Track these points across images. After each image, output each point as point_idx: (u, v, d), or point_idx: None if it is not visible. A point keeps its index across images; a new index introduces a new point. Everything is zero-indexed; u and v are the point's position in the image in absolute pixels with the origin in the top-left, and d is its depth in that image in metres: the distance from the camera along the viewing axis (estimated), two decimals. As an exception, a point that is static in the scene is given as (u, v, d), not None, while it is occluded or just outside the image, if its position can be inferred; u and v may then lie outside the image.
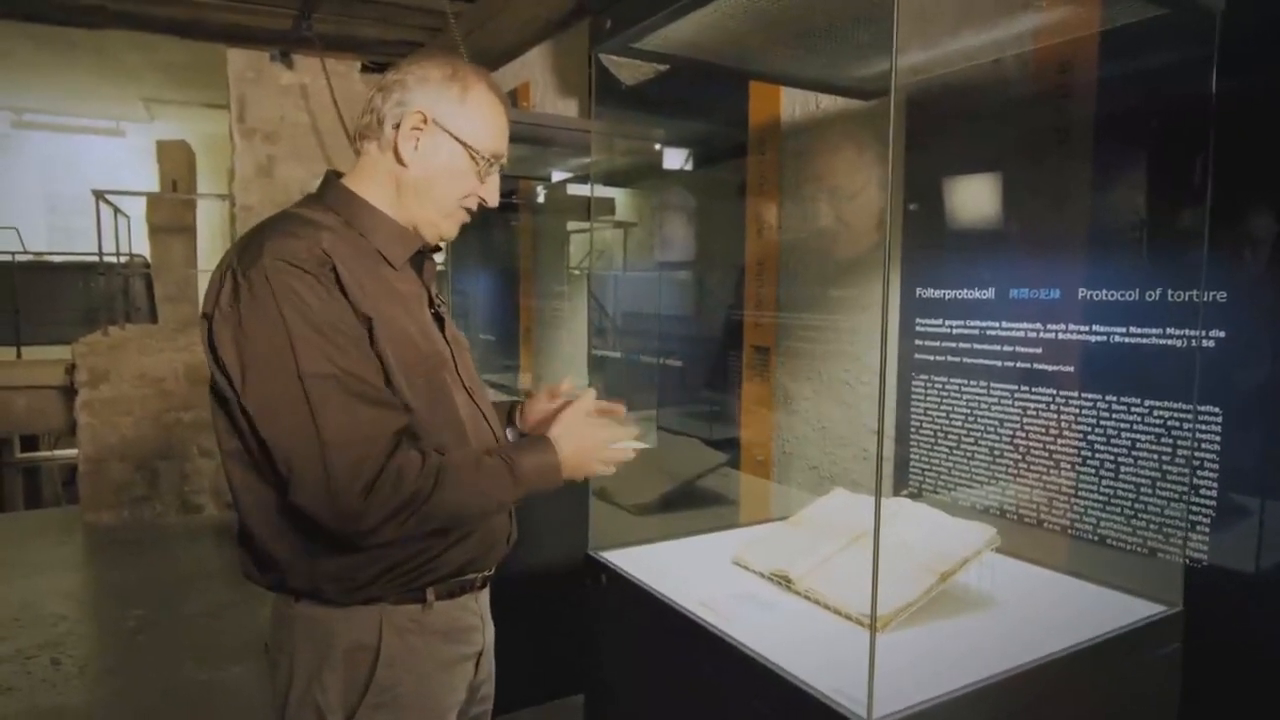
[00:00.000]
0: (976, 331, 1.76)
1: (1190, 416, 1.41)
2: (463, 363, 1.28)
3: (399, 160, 1.19)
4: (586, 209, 3.65)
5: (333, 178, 1.25)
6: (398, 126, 1.18)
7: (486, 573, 1.29)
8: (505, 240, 4.24)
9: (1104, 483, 1.54)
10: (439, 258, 1.34)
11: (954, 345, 1.82)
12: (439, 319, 1.27)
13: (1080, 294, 1.57)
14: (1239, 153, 1.35)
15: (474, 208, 1.26)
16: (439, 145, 1.19)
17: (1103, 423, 1.54)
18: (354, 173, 1.24)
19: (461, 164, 1.21)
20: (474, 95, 1.20)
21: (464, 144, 1.19)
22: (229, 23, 4.42)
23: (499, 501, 1.16)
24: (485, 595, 1.34)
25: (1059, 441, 1.61)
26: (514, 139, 1.30)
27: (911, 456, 1.91)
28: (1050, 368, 1.62)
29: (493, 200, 1.25)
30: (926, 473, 1.88)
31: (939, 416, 1.85)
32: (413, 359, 1.15)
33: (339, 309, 1.07)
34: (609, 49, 1.65)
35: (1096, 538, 1.55)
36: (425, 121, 1.18)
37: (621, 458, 1.28)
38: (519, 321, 4.08)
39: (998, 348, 1.72)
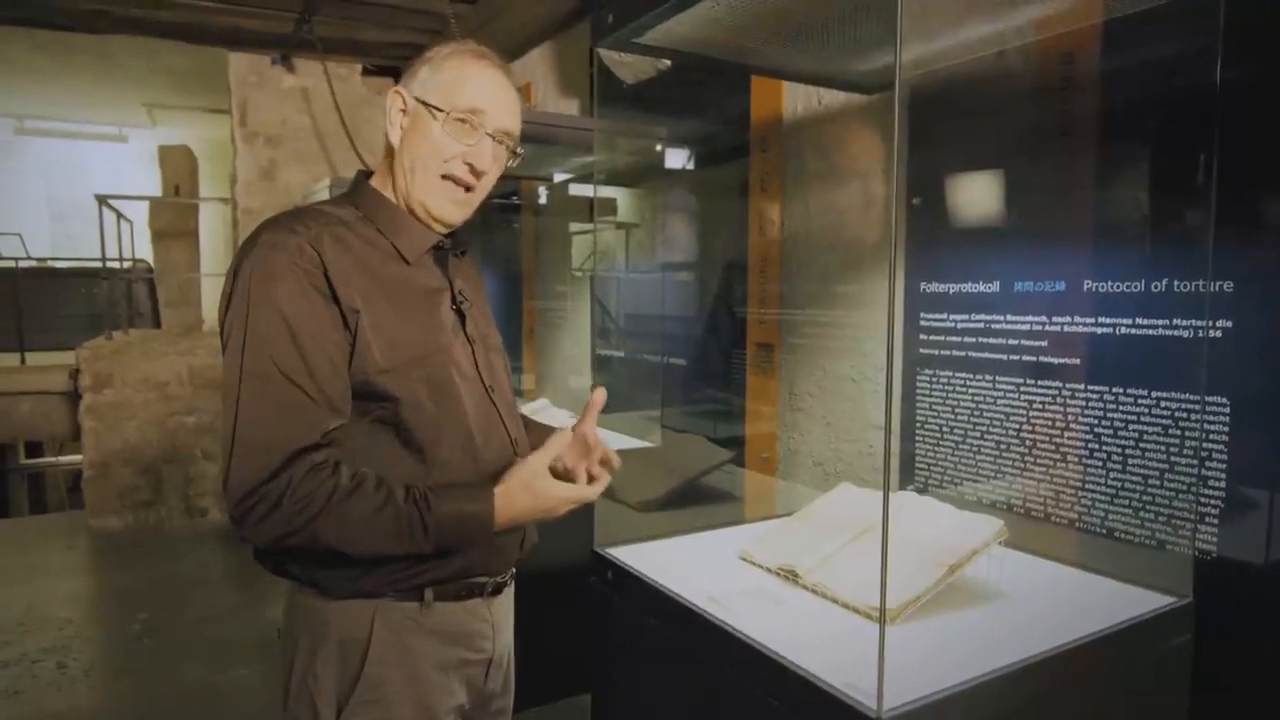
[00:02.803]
0: (981, 325, 1.76)
1: (1198, 407, 1.41)
2: (484, 361, 1.26)
3: (390, 147, 1.21)
4: (588, 210, 3.66)
5: (361, 177, 1.26)
6: (388, 115, 1.20)
7: (498, 578, 1.26)
8: (508, 242, 4.24)
9: (1111, 475, 1.53)
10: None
11: (959, 339, 1.81)
12: (461, 315, 1.25)
13: (1085, 286, 1.56)
14: (1244, 141, 1.34)
15: (460, 174, 1.19)
16: (415, 118, 1.19)
17: (1110, 415, 1.53)
18: (376, 172, 1.26)
19: (433, 128, 1.17)
20: (447, 62, 1.19)
21: (431, 107, 1.17)
22: (230, 26, 4.43)
23: (399, 547, 1.08)
24: (501, 602, 1.29)
25: (1066, 434, 1.60)
26: (515, 138, 1.28)
27: (917, 451, 1.91)
28: (1056, 360, 1.61)
29: (479, 163, 1.18)
30: (933, 467, 1.87)
31: (944, 411, 1.84)
32: (409, 356, 1.14)
33: (310, 307, 1.07)
34: (610, 44, 1.65)
35: (1104, 530, 1.54)
36: (405, 101, 1.19)
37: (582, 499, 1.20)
38: (522, 323, 4.08)
39: (1003, 341, 1.71)
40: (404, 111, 1.19)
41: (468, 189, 1.21)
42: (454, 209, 1.22)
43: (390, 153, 1.22)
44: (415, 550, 1.09)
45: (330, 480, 1.05)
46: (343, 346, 1.09)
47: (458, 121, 1.17)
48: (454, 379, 1.18)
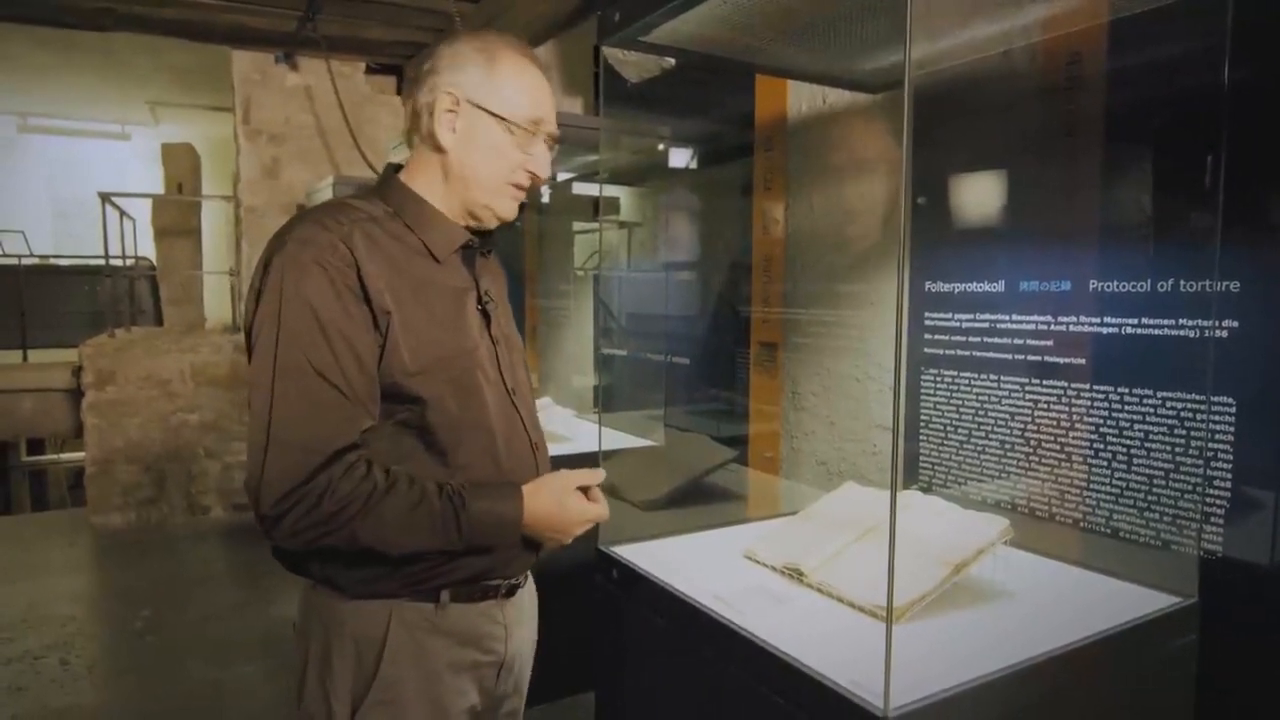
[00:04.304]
0: (986, 325, 1.76)
1: (1204, 407, 1.40)
2: (507, 363, 1.25)
3: (438, 147, 1.19)
4: (592, 208, 3.66)
5: (390, 171, 1.25)
6: (432, 113, 1.17)
7: (512, 580, 1.25)
8: (510, 240, 4.24)
9: (1117, 475, 1.53)
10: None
11: (963, 339, 1.81)
12: (486, 315, 1.24)
13: (1091, 285, 1.56)
14: (1251, 141, 1.34)
15: (525, 182, 1.21)
16: (474, 124, 1.17)
17: (1115, 415, 1.53)
18: (407, 168, 1.24)
19: (500, 138, 1.18)
20: (502, 64, 1.18)
21: (498, 117, 1.17)
22: (234, 24, 4.43)
23: (433, 545, 1.10)
24: (515, 604, 1.28)
25: (1071, 434, 1.60)
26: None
27: (921, 451, 1.90)
28: (1061, 360, 1.61)
29: (542, 172, 1.21)
30: (937, 467, 1.87)
31: (949, 410, 1.84)
32: (435, 356, 1.13)
33: (341, 306, 1.06)
34: (615, 42, 1.65)
35: (1110, 530, 1.54)
36: (457, 102, 1.17)
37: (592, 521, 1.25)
38: (525, 322, 4.08)
39: (1008, 340, 1.71)
40: (453, 112, 1.17)
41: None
42: (515, 207, 1.25)
43: (436, 150, 1.19)
44: (448, 547, 1.10)
45: (368, 481, 1.05)
46: (372, 348, 1.08)
47: (526, 134, 1.19)
48: (479, 381, 1.18)
